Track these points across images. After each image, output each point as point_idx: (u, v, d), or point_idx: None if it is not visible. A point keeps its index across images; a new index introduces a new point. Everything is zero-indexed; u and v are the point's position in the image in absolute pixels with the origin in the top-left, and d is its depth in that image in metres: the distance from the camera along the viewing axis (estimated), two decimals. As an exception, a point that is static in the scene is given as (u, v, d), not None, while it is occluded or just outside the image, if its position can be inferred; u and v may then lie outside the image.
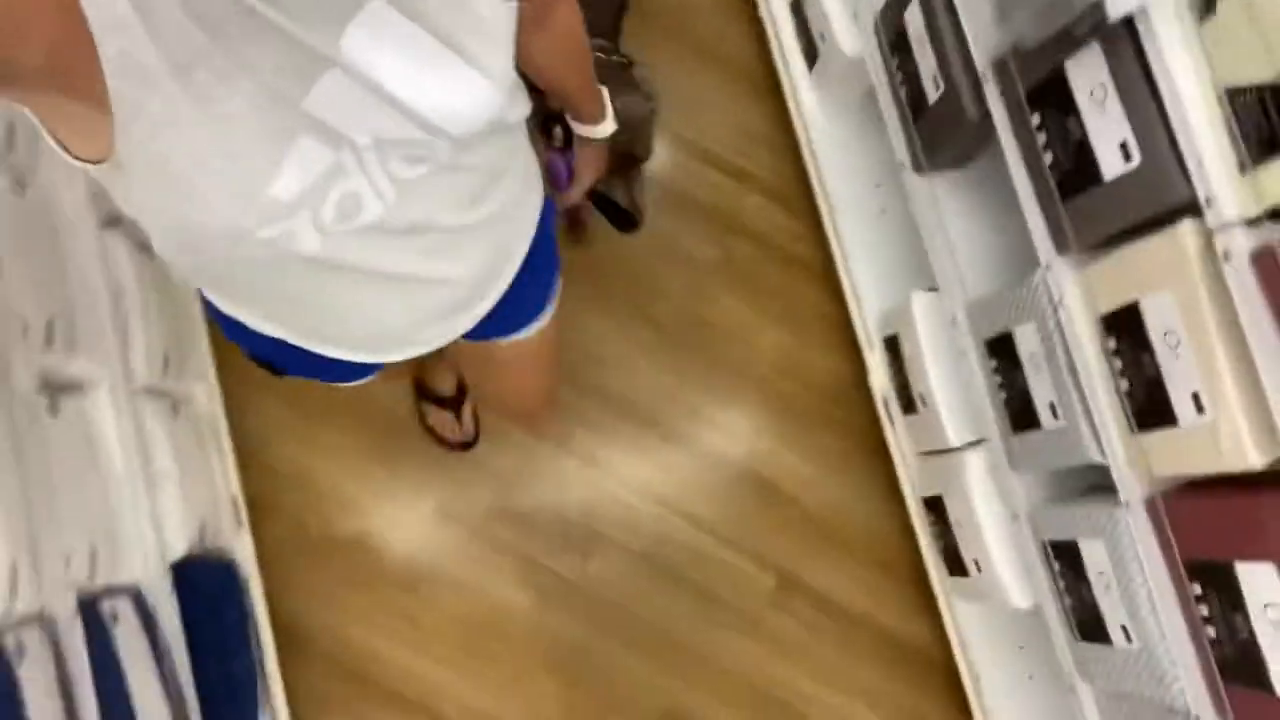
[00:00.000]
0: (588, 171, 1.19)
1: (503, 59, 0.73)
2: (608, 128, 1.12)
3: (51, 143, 0.66)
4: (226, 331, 1.00)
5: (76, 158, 0.66)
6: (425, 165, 0.75)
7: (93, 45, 0.57)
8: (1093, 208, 1.09)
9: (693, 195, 1.95)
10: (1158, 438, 1.06)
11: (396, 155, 0.72)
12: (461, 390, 1.77)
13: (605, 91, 1.09)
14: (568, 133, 1.17)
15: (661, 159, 1.92)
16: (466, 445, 1.80)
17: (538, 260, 1.01)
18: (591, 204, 1.73)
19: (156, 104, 0.60)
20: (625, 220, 1.74)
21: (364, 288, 0.83)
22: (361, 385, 1.18)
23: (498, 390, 1.45)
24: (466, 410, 1.79)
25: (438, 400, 1.76)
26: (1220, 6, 0.91)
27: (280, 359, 1.02)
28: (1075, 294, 1.15)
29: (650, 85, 1.68)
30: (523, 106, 0.85)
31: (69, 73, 0.58)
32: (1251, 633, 0.98)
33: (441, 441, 1.79)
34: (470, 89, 0.71)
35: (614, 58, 1.66)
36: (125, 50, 0.58)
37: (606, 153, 1.18)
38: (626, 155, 1.66)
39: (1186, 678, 1.09)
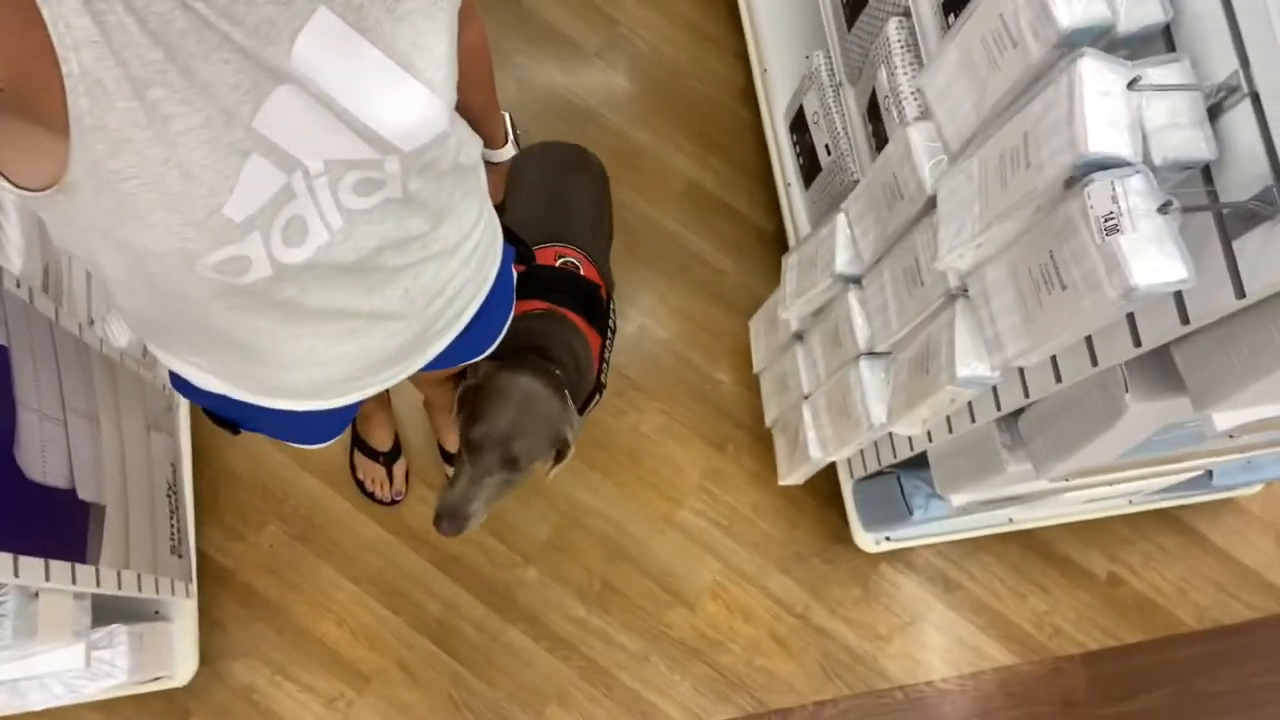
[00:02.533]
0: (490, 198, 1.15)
1: (443, 72, 0.74)
2: (508, 152, 1.13)
3: None
4: (179, 390, 0.99)
5: (16, 186, 0.64)
6: (376, 197, 0.75)
7: (55, 64, 0.57)
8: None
9: None
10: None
11: (347, 184, 0.72)
12: (397, 448, 1.76)
13: (508, 116, 1.11)
14: None
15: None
16: (391, 503, 1.78)
17: (493, 302, 1.03)
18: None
19: (114, 121, 0.60)
20: (445, 516, 1.27)
21: (309, 326, 0.82)
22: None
23: (434, 394, 1.48)
24: (399, 469, 1.77)
25: (371, 453, 1.75)
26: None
27: (234, 414, 1.01)
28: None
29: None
30: (473, 145, 0.85)
31: (30, 90, 0.58)
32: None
33: (367, 494, 1.78)
34: (414, 100, 0.72)
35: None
36: (87, 68, 0.57)
37: (502, 182, 1.18)
38: (500, 441, 1.27)
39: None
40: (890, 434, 1.53)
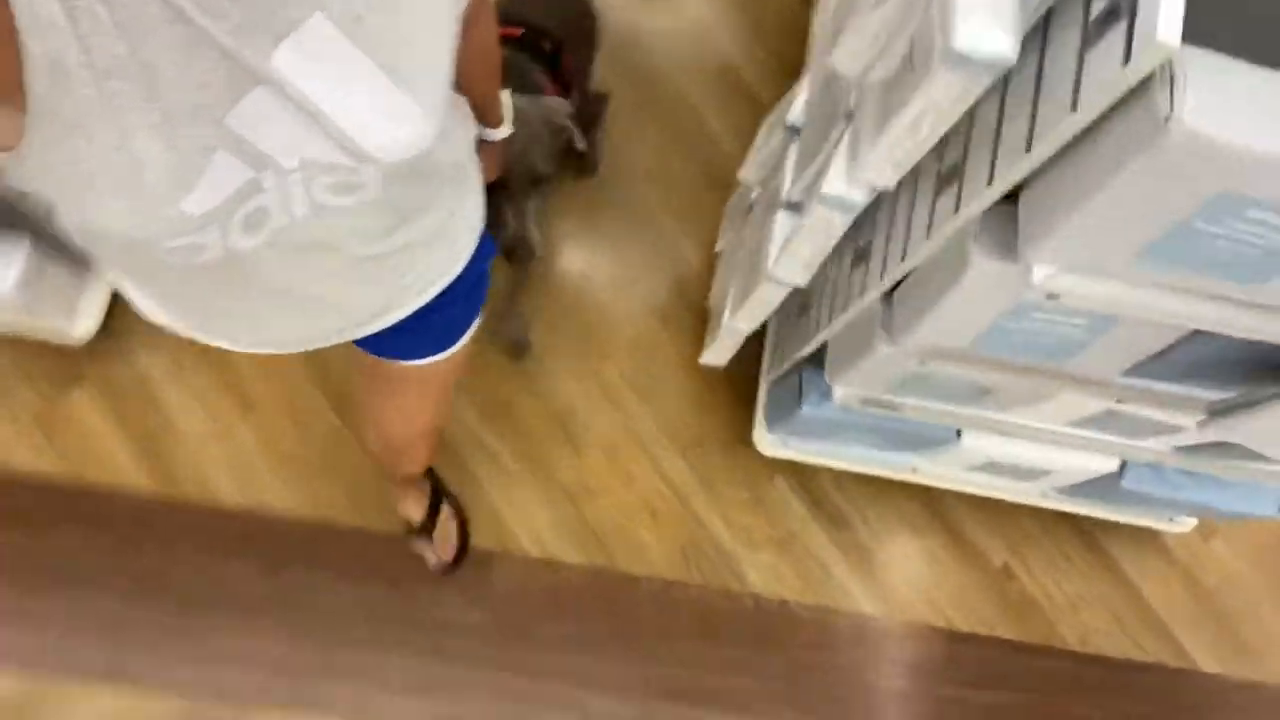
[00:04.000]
0: (484, 175, 1.12)
1: (438, 89, 0.72)
2: (504, 131, 1.13)
3: None
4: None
5: None
6: (352, 198, 0.74)
7: (13, 43, 0.55)
8: None
9: None
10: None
11: (323, 182, 0.71)
12: (434, 512, 1.68)
13: (505, 94, 1.11)
14: None
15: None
16: (450, 567, 1.70)
17: (459, 294, 1.00)
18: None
19: (70, 107, 0.58)
20: (517, 250, 1.63)
21: (262, 300, 0.82)
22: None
23: (381, 408, 1.35)
24: (442, 528, 1.69)
25: (412, 530, 1.69)
26: None
27: None
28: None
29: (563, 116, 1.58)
30: (465, 138, 0.83)
31: None
32: None
33: (435, 568, 1.71)
34: (404, 118, 0.69)
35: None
36: (49, 51, 0.56)
37: (498, 159, 1.18)
38: (522, 168, 1.52)
39: None
40: (802, 324, 1.51)
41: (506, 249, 1.59)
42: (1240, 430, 1.09)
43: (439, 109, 0.73)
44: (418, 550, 1.70)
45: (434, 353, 1.11)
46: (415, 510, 1.67)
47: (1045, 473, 1.64)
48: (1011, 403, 1.35)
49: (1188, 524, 1.82)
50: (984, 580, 1.87)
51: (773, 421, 1.72)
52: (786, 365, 1.64)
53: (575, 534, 1.80)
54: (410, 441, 1.45)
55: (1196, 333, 1.01)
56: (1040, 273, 0.88)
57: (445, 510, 1.69)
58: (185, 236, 0.67)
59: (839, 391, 1.45)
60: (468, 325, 1.12)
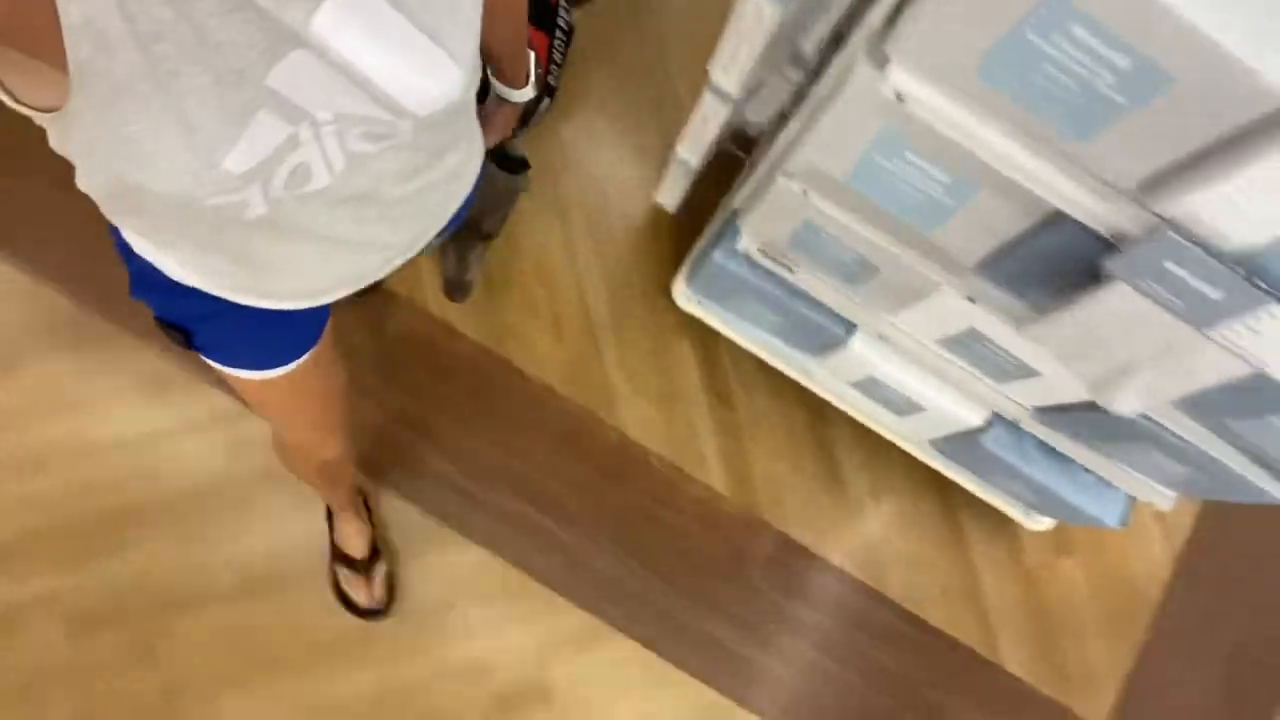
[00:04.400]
0: (494, 132, 1.14)
1: (471, 41, 0.74)
2: (528, 93, 1.11)
3: None
4: (135, 288, 0.96)
5: (21, 103, 0.64)
6: (385, 143, 0.75)
7: (52, 9, 0.55)
8: None
9: None
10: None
11: (356, 132, 0.72)
12: (375, 553, 1.71)
13: (531, 56, 1.10)
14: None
15: None
16: (375, 613, 1.71)
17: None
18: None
19: (117, 71, 0.59)
20: (453, 289, 1.79)
21: (302, 247, 0.83)
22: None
23: (323, 387, 1.20)
24: (378, 575, 1.71)
25: (349, 562, 1.70)
26: None
27: (190, 320, 0.97)
28: None
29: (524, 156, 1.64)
30: (477, 82, 0.84)
31: (25, 31, 0.56)
32: None
33: (350, 607, 1.71)
34: (439, 75, 0.71)
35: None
36: (89, 17, 0.56)
37: (515, 119, 1.17)
38: (472, 226, 1.61)
39: None
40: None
41: (446, 288, 1.80)
42: (1051, 335, 1.12)
43: (470, 60, 0.74)
44: (347, 584, 1.70)
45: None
46: (355, 543, 1.68)
47: (920, 409, 1.67)
48: (892, 296, 1.39)
49: (1044, 523, 1.84)
50: (835, 506, 1.92)
51: (692, 273, 1.77)
52: (720, 221, 1.68)
53: (481, 315, 1.87)
54: (338, 403, 1.28)
55: (1041, 229, 1.05)
56: (895, 72, 0.92)
57: (382, 560, 1.72)
58: (227, 195, 0.69)
59: (744, 238, 1.50)
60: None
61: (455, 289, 1.80)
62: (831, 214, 1.26)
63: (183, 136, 0.63)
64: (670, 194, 1.75)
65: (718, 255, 1.60)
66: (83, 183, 0.73)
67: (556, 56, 1.70)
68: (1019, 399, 1.47)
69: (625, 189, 1.96)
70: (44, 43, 0.56)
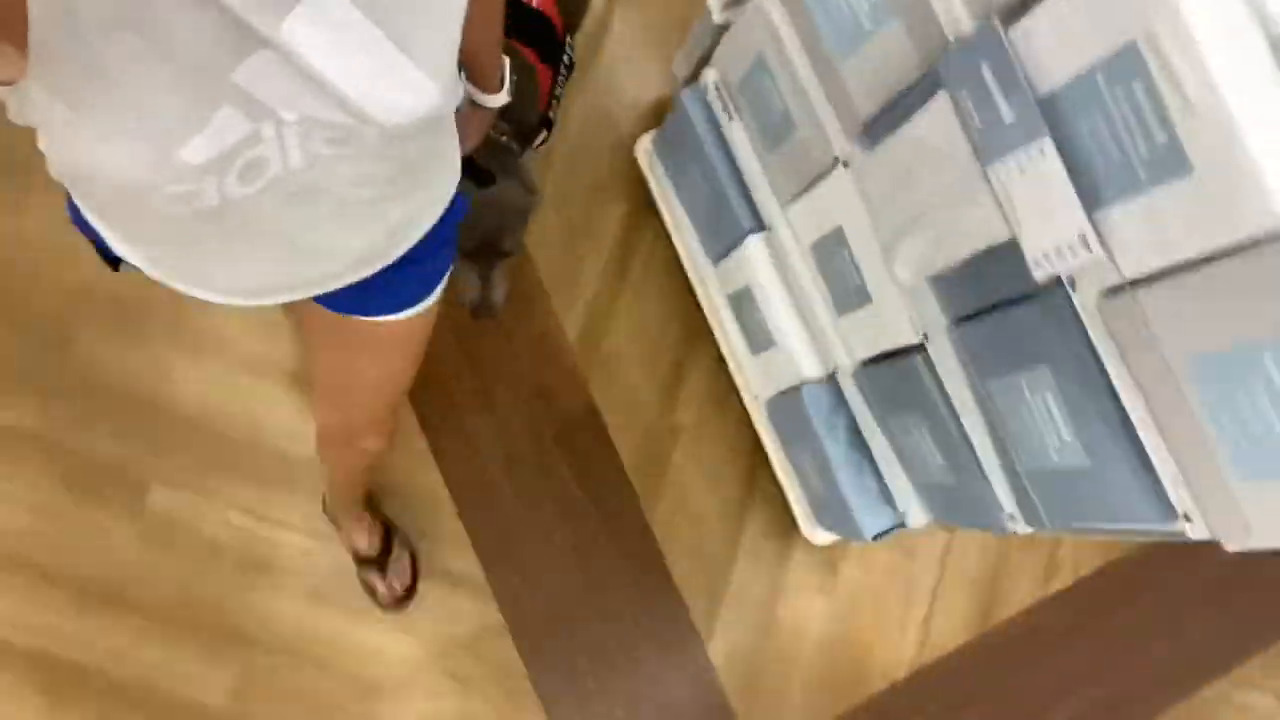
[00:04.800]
0: (467, 140, 1.09)
1: (448, 57, 0.72)
2: (502, 99, 1.11)
3: None
4: (76, 221, 0.91)
5: None
6: (348, 148, 0.74)
7: None
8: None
9: None
10: None
11: (320, 135, 0.71)
12: (387, 547, 1.75)
13: (506, 61, 1.09)
14: None
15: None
16: (400, 601, 1.76)
17: (433, 246, 0.98)
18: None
19: (81, 55, 0.58)
20: (479, 310, 1.74)
21: (249, 244, 0.82)
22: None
23: (344, 376, 1.23)
24: (397, 566, 1.76)
25: (363, 561, 1.75)
26: None
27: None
28: None
29: (533, 178, 1.65)
30: (455, 99, 0.82)
31: None
32: None
33: (380, 603, 1.77)
34: (411, 89, 0.70)
35: (503, 139, 1.59)
36: (55, 1, 0.55)
37: (488, 125, 1.16)
38: (491, 245, 1.65)
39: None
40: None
41: (471, 310, 1.74)
42: (875, 170, 1.15)
43: (445, 76, 0.73)
44: (367, 581, 1.76)
45: (412, 305, 1.07)
46: (363, 540, 1.72)
47: (772, 344, 1.67)
48: (794, 175, 1.43)
49: (820, 538, 1.80)
50: (657, 416, 1.91)
51: (661, 128, 1.83)
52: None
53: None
54: (375, 416, 1.32)
55: (922, 79, 1.09)
56: None
57: (398, 545, 1.76)
58: (183, 184, 0.68)
59: (711, 72, 1.56)
60: (443, 271, 1.08)
61: (482, 308, 1.74)
62: (779, 27, 1.32)
63: (138, 124, 0.63)
64: (682, 60, 1.81)
65: (686, 92, 1.66)
66: (43, 144, 0.72)
67: (558, 90, 1.77)
68: (851, 341, 1.47)
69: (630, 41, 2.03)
70: (7, 19, 0.55)
